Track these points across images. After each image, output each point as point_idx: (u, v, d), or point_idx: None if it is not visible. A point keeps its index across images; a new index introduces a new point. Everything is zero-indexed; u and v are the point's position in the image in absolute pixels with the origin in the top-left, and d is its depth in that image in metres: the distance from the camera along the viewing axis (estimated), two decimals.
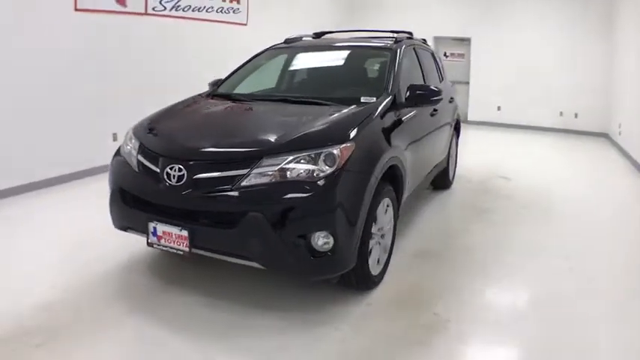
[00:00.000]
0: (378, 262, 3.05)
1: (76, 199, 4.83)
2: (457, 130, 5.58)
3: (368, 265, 2.83)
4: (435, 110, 4.22)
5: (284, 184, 2.50)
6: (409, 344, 2.50)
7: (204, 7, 7.31)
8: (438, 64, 5.08)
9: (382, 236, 3.08)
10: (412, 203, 4.74)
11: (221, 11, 7.77)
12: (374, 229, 2.87)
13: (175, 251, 2.64)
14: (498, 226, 4.33)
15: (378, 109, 3.10)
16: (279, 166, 2.50)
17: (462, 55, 10.71)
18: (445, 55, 10.90)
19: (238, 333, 2.56)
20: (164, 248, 2.68)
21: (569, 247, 3.86)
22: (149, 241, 2.73)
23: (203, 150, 2.71)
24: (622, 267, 3.56)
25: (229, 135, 2.90)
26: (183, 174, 2.59)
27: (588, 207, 4.94)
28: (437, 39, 10.80)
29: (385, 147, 2.96)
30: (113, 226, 3.01)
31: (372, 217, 2.76)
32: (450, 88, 5.38)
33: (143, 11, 6.10)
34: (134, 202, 2.82)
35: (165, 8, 6.46)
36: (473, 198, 5.18)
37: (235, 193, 2.50)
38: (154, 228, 2.67)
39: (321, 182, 2.48)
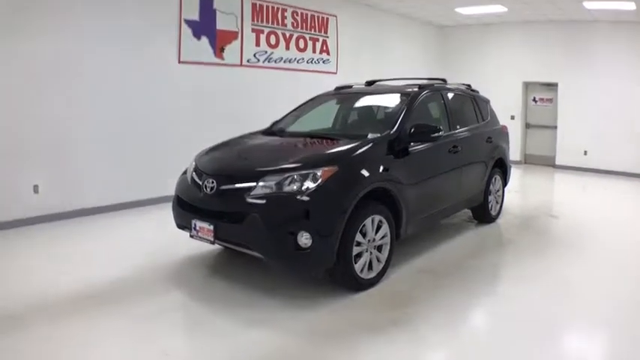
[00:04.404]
0: (371, 268, 3.69)
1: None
2: (502, 168, 5.90)
3: (353, 267, 3.48)
4: (454, 147, 4.72)
5: (280, 194, 3.34)
6: (371, 330, 3.09)
7: (295, 58, 8.55)
8: (477, 107, 5.57)
9: (378, 248, 3.73)
10: (446, 232, 5.30)
11: (311, 62, 8.93)
12: (361, 239, 3.54)
13: (206, 241, 3.60)
14: (510, 255, 4.70)
15: (375, 142, 3.82)
16: (277, 181, 3.36)
17: (549, 100, 10.66)
18: (534, 100, 10.94)
19: (246, 306, 3.42)
20: (199, 239, 3.65)
21: (561, 280, 3.98)
22: (191, 234, 3.72)
23: (228, 169, 3.70)
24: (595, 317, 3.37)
25: (250, 159, 3.85)
26: (214, 185, 3.57)
27: (616, 249, 4.84)
28: (526, 84, 10.93)
29: (373, 171, 3.62)
30: (176, 226, 4.07)
31: (354, 227, 3.43)
32: (493, 129, 5.72)
33: (239, 63, 7.47)
34: (185, 205, 3.85)
35: (258, 60, 7.79)
36: (508, 231, 5.47)
37: (245, 200, 3.39)
38: (194, 224, 3.65)
39: (305, 194, 3.28)
